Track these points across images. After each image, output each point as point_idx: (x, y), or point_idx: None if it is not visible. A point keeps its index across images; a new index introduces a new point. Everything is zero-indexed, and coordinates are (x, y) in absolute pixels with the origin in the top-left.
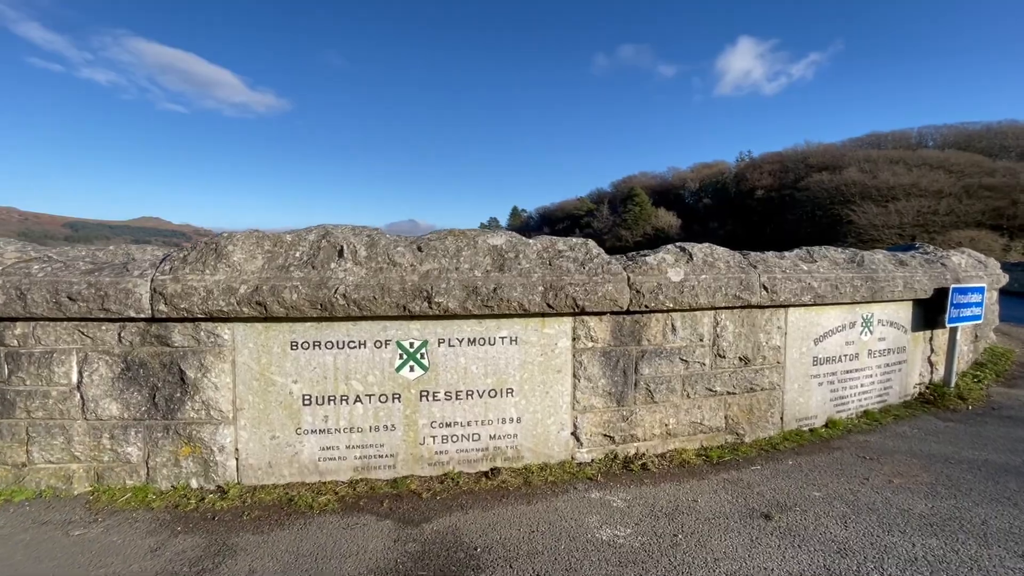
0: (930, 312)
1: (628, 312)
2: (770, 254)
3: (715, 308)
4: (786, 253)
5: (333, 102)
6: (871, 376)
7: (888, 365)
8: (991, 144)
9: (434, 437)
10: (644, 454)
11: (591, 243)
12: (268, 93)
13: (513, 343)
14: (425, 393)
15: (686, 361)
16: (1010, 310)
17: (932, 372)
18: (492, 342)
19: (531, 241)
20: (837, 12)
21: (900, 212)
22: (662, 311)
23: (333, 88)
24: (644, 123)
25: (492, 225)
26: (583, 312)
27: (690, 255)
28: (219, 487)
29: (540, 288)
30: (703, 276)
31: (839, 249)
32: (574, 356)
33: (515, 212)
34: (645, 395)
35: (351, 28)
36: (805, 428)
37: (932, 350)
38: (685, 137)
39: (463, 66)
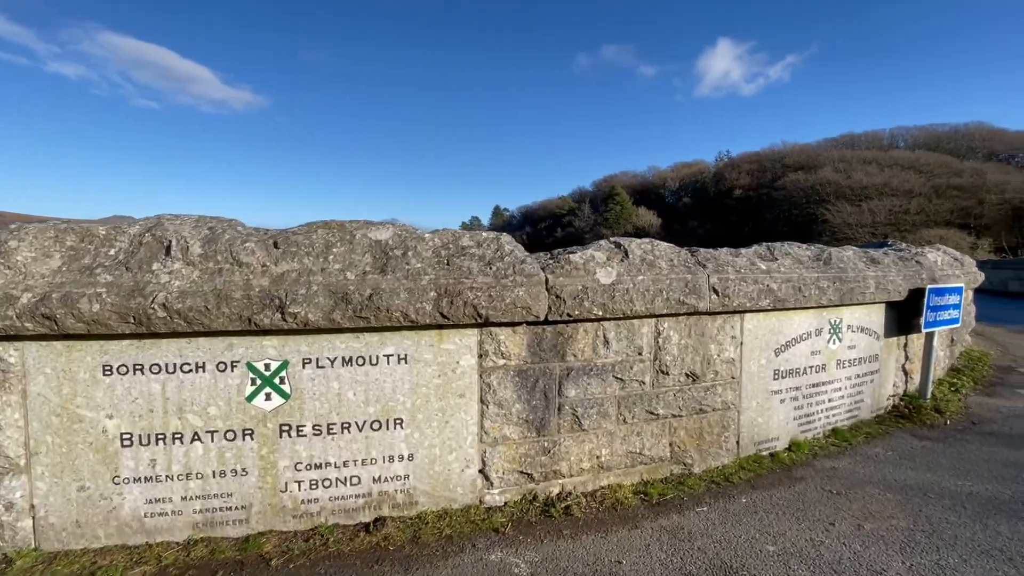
0: (904, 315)
1: (548, 322)
2: (724, 251)
3: (656, 315)
4: (743, 250)
5: (313, 100)
6: (840, 389)
7: (859, 376)
8: (959, 145)
9: (300, 482)
10: (570, 493)
11: (504, 238)
12: (245, 90)
13: (402, 362)
14: (287, 427)
15: (622, 379)
16: (981, 308)
17: (907, 382)
18: (374, 361)
19: (427, 235)
20: (812, 15)
21: (873, 211)
22: (591, 320)
23: (313, 86)
24: (626, 123)
25: (474, 224)
26: (489, 323)
27: (626, 252)
28: (5, 556)
29: (432, 294)
30: (640, 277)
31: (804, 245)
32: (481, 377)
33: (497, 211)
34: (571, 422)
35: (332, 25)
36: (765, 452)
37: (907, 357)
38: (666, 137)
39: (446, 65)
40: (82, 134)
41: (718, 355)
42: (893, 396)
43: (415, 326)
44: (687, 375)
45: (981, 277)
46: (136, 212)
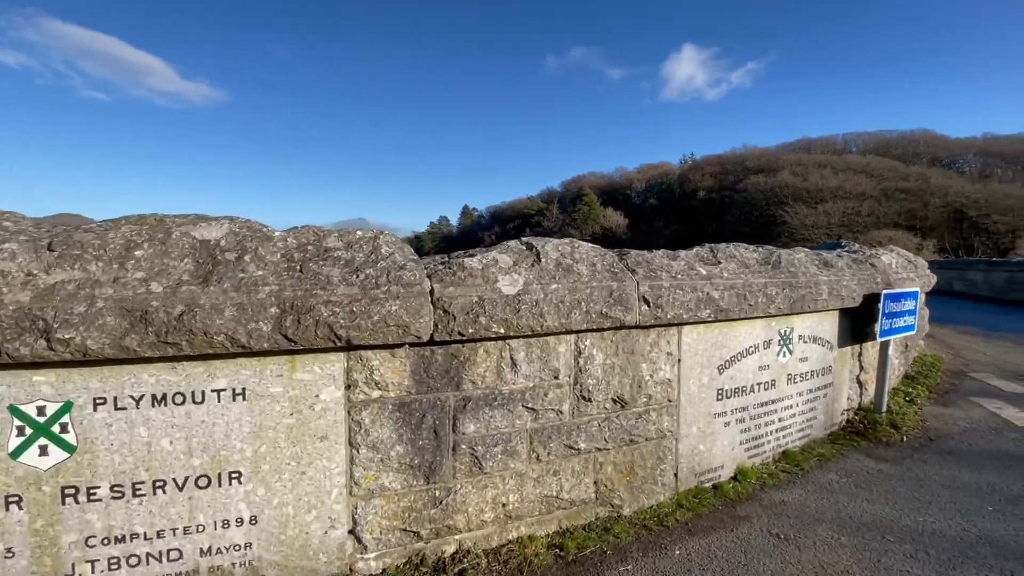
0: (859, 322)
1: (437, 343)
2: (659, 253)
3: (576, 331)
4: (682, 253)
5: (278, 96)
6: (792, 407)
7: (812, 391)
8: (906, 151)
9: (94, 562)
10: (468, 552)
11: (385, 237)
12: (202, 83)
13: (239, 398)
14: (72, 490)
15: (534, 409)
16: (930, 308)
17: (862, 393)
18: (199, 398)
19: (278, 233)
20: (771, 24)
21: (828, 213)
22: (492, 339)
23: (278, 82)
24: (594, 124)
25: (442, 224)
26: (356, 346)
27: (538, 255)
28: None
29: (272, 310)
30: (554, 286)
31: (752, 247)
32: (350, 414)
33: (466, 211)
34: (470, 464)
35: (298, 20)
36: (708, 484)
37: (861, 367)
38: (633, 139)
39: (416, 64)
40: (22, 125)
41: (651, 376)
42: (848, 410)
43: (253, 352)
44: (614, 400)
45: (934, 279)
46: (87, 211)
